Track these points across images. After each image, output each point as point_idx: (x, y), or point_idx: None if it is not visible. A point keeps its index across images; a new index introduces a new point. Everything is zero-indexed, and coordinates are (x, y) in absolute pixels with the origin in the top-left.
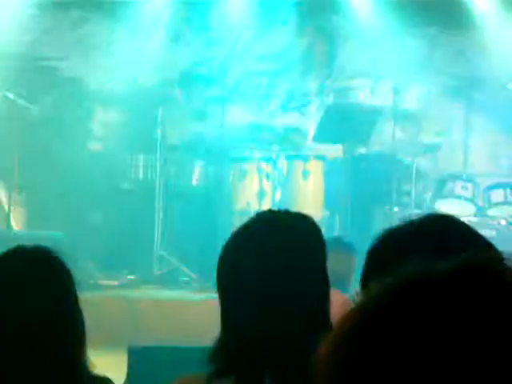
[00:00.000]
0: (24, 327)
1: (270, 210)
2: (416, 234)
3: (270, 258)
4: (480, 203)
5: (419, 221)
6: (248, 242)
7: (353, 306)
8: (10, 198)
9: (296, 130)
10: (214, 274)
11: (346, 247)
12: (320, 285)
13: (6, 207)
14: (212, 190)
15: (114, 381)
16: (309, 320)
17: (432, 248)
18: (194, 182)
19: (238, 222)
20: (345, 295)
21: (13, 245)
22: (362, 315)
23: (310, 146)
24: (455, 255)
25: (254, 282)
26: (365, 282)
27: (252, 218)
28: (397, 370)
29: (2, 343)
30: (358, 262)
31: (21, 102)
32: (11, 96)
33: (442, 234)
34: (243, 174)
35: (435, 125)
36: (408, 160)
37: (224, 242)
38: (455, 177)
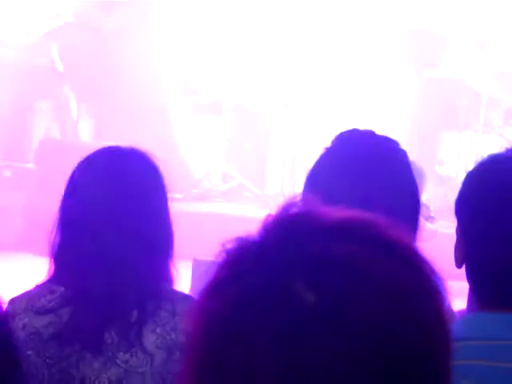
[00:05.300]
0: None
1: (354, 129)
2: None
3: (358, 175)
4: None
5: None
6: (338, 162)
7: None
8: (78, 108)
9: None
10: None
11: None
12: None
13: (75, 117)
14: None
15: None
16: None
17: None
18: None
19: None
20: None
21: (81, 156)
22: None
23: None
24: None
25: (341, 202)
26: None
27: (337, 137)
28: None
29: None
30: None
31: (96, 13)
32: (87, 6)
33: None
34: None
35: (510, 53)
36: (479, 86)
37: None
38: None
